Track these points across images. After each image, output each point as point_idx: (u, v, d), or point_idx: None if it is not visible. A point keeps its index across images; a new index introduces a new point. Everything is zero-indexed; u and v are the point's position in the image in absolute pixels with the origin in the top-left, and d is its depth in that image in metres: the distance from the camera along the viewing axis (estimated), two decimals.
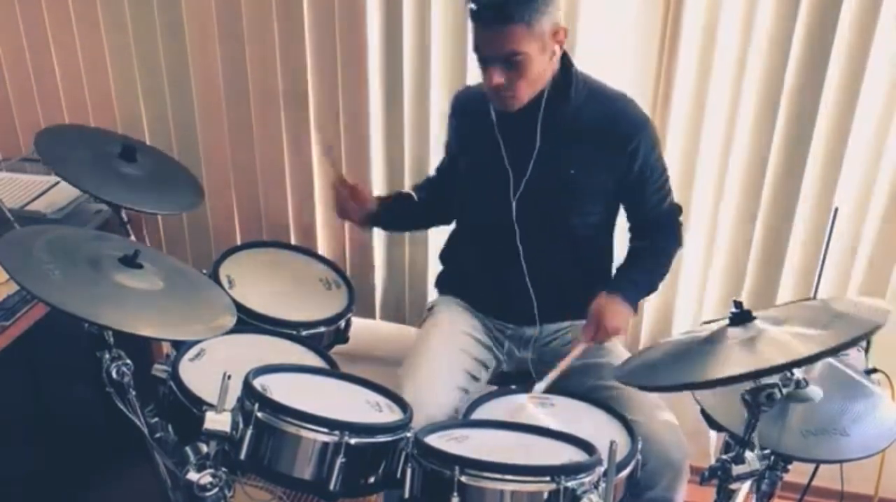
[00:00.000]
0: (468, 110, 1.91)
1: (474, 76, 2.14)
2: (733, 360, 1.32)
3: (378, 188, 2.37)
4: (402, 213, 2.06)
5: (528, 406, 1.72)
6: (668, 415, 1.75)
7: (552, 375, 1.75)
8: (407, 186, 2.34)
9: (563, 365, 1.75)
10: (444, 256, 2.10)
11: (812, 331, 1.31)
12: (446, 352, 1.87)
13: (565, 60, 1.77)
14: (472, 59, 2.11)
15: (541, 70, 1.69)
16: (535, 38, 1.64)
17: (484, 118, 1.81)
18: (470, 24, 1.68)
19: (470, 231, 1.99)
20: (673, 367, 1.42)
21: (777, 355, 1.27)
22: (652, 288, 1.93)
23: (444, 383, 1.80)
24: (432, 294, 2.17)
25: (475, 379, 1.89)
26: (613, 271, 1.94)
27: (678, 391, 1.39)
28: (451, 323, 1.95)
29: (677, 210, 1.95)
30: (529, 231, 1.83)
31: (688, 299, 2.27)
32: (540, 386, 1.74)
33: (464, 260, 2.01)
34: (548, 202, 1.82)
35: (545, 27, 1.64)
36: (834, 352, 1.24)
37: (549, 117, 1.76)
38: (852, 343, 1.24)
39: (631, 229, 1.94)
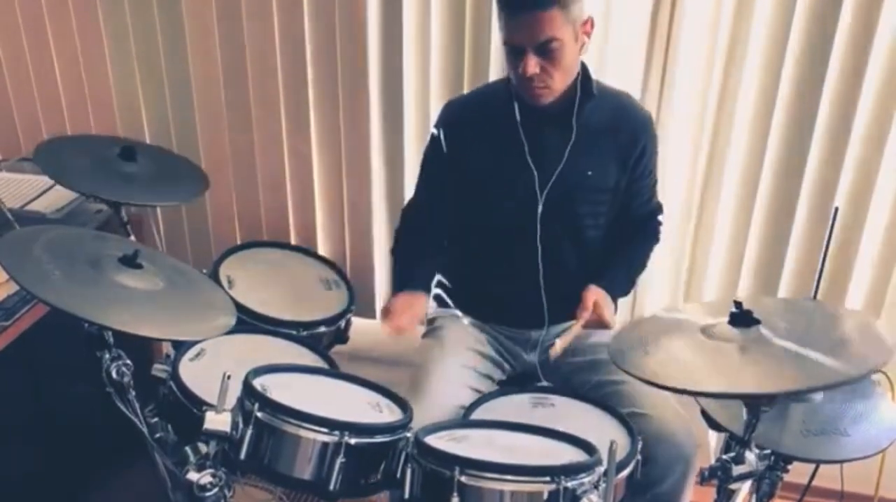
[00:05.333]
0: (470, 118, 1.87)
1: (472, 76, 2.16)
2: (735, 376, 1.31)
3: (378, 188, 2.38)
4: (432, 270, 1.99)
5: (528, 406, 1.72)
6: (676, 409, 1.74)
7: (561, 344, 1.72)
8: (407, 187, 2.33)
9: (568, 337, 1.73)
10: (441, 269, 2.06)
11: (816, 355, 1.28)
12: (449, 372, 1.82)
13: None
14: (470, 60, 2.15)
15: (573, 59, 1.69)
16: (569, 24, 1.63)
17: (492, 122, 1.79)
18: (497, 15, 1.67)
19: (480, 237, 1.92)
20: (672, 366, 1.41)
21: (781, 381, 1.26)
22: (632, 287, 1.98)
23: (448, 404, 1.76)
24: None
25: (479, 393, 1.85)
26: None
27: (674, 393, 1.39)
28: (452, 339, 1.91)
29: (659, 208, 1.97)
30: (550, 229, 1.82)
31: (688, 300, 2.27)
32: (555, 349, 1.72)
33: (466, 269, 1.97)
34: (569, 199, 1.82)
35: (578, 14, 1.64)
36: (839, 385, 1.25)
37: (578, 115, 1.76)
38: (855, 380, 1.24)
39: (617, 223, 1.92)
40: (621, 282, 1.90)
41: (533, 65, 1.64)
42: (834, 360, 1.25)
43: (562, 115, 1.76)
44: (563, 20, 1.62)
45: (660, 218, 1.98)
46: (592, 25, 1.70)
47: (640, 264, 1.96)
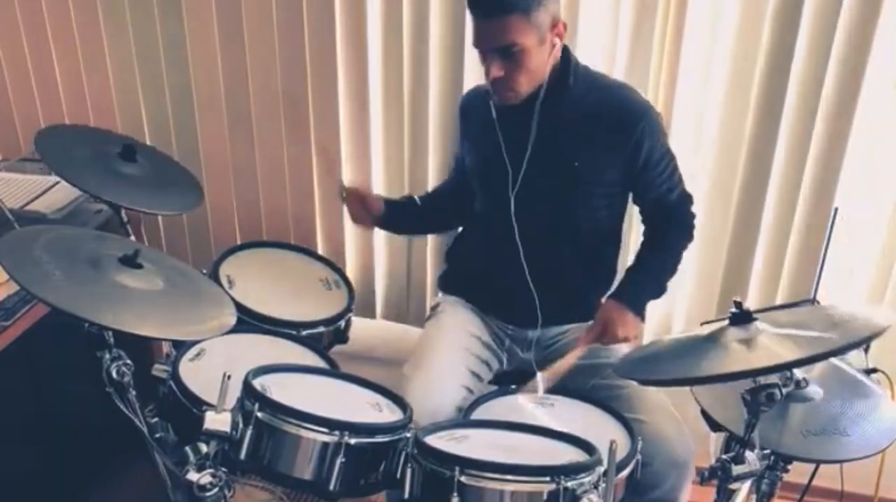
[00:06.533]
0: (472, 110, 1.91)
1: (471, 75, 2.16)
2: (731, 358, 1.31)
3: (379, 188, 2.38)
4: (407, 216, 2.08)
5: (528, 405, 1.72)
6: (672, 414, 1.75)
7: (550, 375, 1.74)
8: (406, 186, 2.34)
9: (562, 365, 1.75)
10: (450, 254, 2.10)
11: (812, 333, 1.31)
12: (450, 351, 1.87)
13: (563, 51, 1.76)
14: (470, 60, 2.14)
15: (539, 63, 1.69)
16: (533, 30, 1.63)
17: (487, 116, 1.81)
18: (469, 19, 1.68)
19: (474, 229, 2.00)
20: (671, 363, 1.42)
21: (775, 356, 1.26)
22: (661, 292, 1.89)
23: (448, 381, 1.80)
24: (433, 293, 2.17)
25: (479, 378, 1.89)
26: (620, 269, 1.94)
27: (674, 386, 1.39)
28: (455, 322, 1.95)
29: (688, 199, 1.92)
30: (529, 228, 1.83)
31: (688, 299, 2.27)
32: (539, 386, 1.73)
33: (468, 259, 2.01)
34: (550, 197, 1.81)
35: (544, 19, 1.64)
36: (833, 354, 1.25)
37: (547, 108, 1.76)
38: (850, 347, 1.24)
39: (643, 219, 1.94)
40: (648, 289, 1.85)
41: (496, 68, 1.67)
42: (832, 334, 1.26)
43: (532, 110, 1.76)
44: (526, 26, 1.62)
45: (692, 209, 1.91)
46: (565, 28, 1.70)
47: (669, 265, 1.88)
